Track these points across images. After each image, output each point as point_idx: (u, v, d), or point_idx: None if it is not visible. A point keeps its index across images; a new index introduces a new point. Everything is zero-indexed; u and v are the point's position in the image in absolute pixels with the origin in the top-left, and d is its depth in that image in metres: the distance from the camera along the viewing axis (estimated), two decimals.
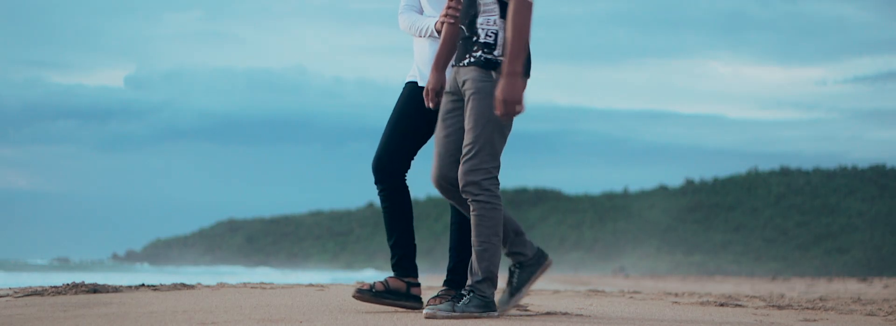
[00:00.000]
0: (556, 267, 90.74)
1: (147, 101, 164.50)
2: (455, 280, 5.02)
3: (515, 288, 4.68)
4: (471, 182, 4.53)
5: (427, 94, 4.77)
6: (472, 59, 4.58)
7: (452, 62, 4.75)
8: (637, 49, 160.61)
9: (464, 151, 4.55)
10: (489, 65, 4.54)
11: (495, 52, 4.55)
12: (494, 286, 4.61)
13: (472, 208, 4.57)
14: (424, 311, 4.54)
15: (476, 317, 4.53)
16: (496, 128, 4.54)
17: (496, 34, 4.56)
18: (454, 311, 4.51)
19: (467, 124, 4.55)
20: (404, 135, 4.98)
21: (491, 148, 4.53)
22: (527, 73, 4.59)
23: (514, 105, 4.47)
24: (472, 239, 4.58)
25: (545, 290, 8.97)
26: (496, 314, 4.59)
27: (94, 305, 5.40)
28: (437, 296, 5.01)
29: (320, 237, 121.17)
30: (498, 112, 4.48)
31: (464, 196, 4.57)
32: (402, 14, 5.07)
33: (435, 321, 4.46)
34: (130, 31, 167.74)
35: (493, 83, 4.52)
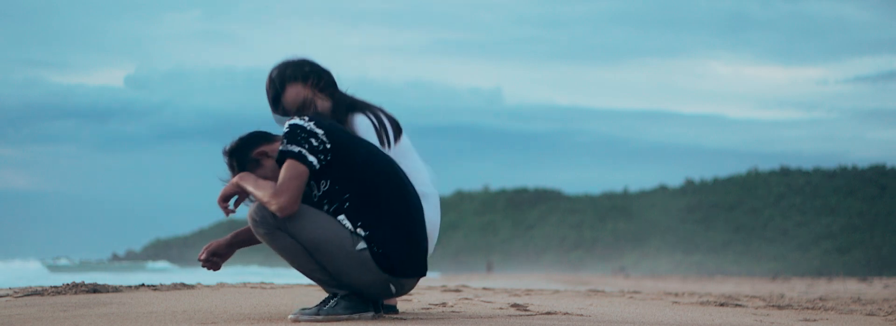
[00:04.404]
0: (556, 266, 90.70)
1: (147, 101, 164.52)
2: None
3: (321, 311, 4.42)
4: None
5: (208, 249, 4.65)
6: None
7: None
8: (637, 49, 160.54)
9: None
10: None
11: None
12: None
13: None
14: (290, 316, 4.44)
15: (343, 319, 4.40)
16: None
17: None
18: (318, 314, 4.39)
19: None
20: None
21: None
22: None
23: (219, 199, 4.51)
24: None
25: (545, 290, 8.97)
26: (370, 315, 4.46)
27: (94, 305, 5.40)
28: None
29: None
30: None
31: None
32: None
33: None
34: (130, 31, 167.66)
35: None
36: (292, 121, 4.43)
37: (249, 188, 4.43)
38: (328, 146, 4.39)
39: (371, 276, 4.39)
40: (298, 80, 4.79)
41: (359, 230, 4.37)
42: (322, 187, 4.42)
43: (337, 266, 4.38)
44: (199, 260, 4.61)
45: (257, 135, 4.60)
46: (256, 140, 4.57)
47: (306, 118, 4.44)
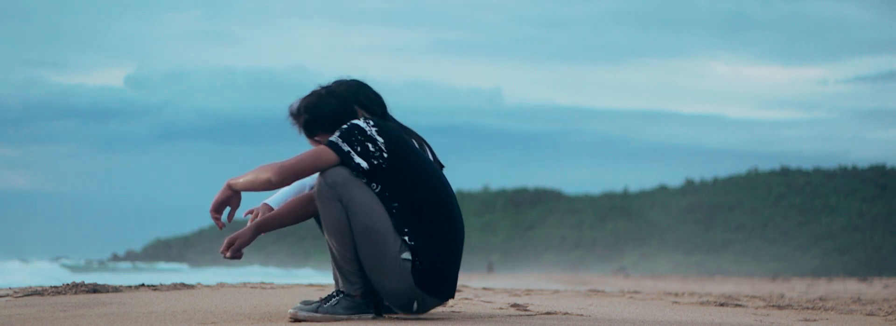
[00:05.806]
0: (556, 266, 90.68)
1: (147, 101, 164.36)
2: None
3: (321, 308, 4.39)
4: None
5: (232, 245, 4.52)
6: None
7: None
8: (637, 49, 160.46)
9: None
10: None
11: None
12: (372, 290, 4.44)
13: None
14: (289, 311, 4.41)
15: (342, 319, 4.38)
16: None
17: None
18: (317, 312, 4.36)
19: None
20: None
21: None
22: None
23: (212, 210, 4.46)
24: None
25: (545, 290, 8.96)
26: (370, 316, 4.43)
27: (94, 305, 5.40)
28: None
29: (320, 237, 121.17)
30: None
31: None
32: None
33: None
34: (130, 31, 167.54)
35: None
36: (355, 121, 4.38)
37: (242, 180, 4.39)
38: (385, 155, 4.33)
39: (401, 285, 4.34)
40: (349, 100, 4.82)
41: (405, 238, 4.34)
42: (374, 189, 4.37)
43: (373, 262, 4.33)
44: (223, 254, 4.51)
45: (350, 123, 4.40)
46: (338, 126, 4.46)
47: (370, 122, 4.38)
